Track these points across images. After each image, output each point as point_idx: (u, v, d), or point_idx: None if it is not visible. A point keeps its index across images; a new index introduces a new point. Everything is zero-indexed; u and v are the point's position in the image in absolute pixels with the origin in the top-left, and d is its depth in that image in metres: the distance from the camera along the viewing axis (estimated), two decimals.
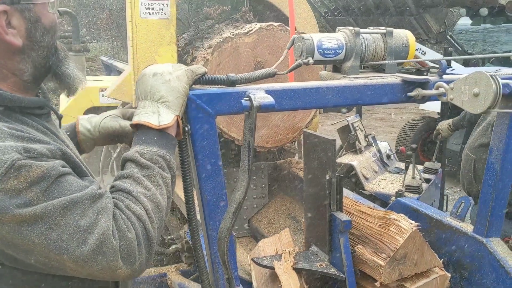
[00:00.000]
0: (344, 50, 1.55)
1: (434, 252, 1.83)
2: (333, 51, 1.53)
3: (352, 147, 3.24)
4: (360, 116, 4.11)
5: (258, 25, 2.48)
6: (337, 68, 1.63)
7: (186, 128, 1.33)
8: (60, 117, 1.33)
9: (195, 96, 1.31)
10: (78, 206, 1.02)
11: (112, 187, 1.17)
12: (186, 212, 1.44)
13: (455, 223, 1.98)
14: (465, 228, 1.94)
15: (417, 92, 1.50)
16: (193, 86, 1.33)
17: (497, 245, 1.80)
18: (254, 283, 2.03)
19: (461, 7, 4.72)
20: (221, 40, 2.37)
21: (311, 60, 1.51)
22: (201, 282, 1.54)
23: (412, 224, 1.77)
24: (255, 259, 1.99)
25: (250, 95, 1.28)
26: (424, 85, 1.51)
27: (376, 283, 1.75)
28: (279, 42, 2.47)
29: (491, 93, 1.26)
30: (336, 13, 4.93)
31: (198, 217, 1.51)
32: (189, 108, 1.31)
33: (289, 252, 1.95)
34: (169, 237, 3.20)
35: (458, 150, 6.28)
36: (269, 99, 1.30)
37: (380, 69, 1.65)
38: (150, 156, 1.18)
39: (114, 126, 1.49)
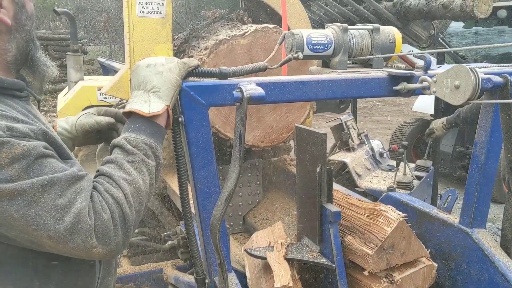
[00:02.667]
0: (332, 46, 1.61)
1: (421, 242, 1.89)
2: (322, 46, 1.60)
3: (345, 145, 3.30)
4: (355, 116, 4.17)
5: (254, 27, 2.54)
6: (326, 63, 1.70)
7: (180, 119, 1.39)
8: (38, 100, 1.39)
9: (189, 88, 1.36)
10: (57, 185, 1.07)
11: (97, 171, 1.23)
12: (180, 201, 1.50)
13: (442, 215, 2.05)
14: (452, 219, 2.00)
15: (403, 86, 1.56)
16: (188, 78, 1.39)
17: (482, 236, 1.86)
18: (248, 274, 2.08)
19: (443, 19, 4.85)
20: (217, 42, 2.43)
21: (300, 55, 1.57)
22: (195, 270, 1.60)
23: (399, 215, 1.83)
24: (248, 250, 2.04)
25: (241, 86, 1.34)
26: (409, 79, 1.57)
27: (364, 272, 1.80)
28: (274, 44, 2.52)
29: (470, 84, 1.32)
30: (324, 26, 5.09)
31: (192, 207, 1.57)
32: (183, 99, 1.37)
33: (281, 243, 2.00)
34: (165, 233, 3.24)
35: (450, 151, 6.35)
36: (260, 91, 1.36)
37: (367, 64, 1.71)
38: (136, 143, 1.23)
39: (89, 122, 1.54)
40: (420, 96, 7.38)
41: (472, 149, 1.82)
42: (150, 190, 1.25)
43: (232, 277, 1.59)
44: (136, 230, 3.59)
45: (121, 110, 1.49)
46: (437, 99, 5.95)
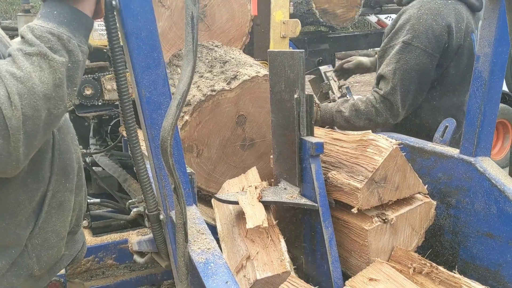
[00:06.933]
0: None
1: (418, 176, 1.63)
2: None
3: (325, 98, 3.01)
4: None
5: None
6: None
7: (114, 2, 1.08)
8: None
9: None
10: None
11: None
12: (122, 115, 1.20)
13: (439, 147, 1.78)
14: (451, 151, 1.74)
15: None
16: None
17: (487, 164, 1.61)
18: (218, 226, 1.79)
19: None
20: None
21: None
22: (146, 204, 1.30)
23: (391, 142, 1.56)
24: (217, 197, 1.75)
25: None
26: None
27: (353, 210, 1.53)
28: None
29: None
30: None
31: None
32: None
33: (255, 187, 1.72)
34: (130, 201, 2.93)
35: None
36: None
37: None
38: (40, 32, 0.98)
39: None
40: None
41: None
42: (56, 92, 0.98)
43: (193, 210, 1.29)
44: (98, 200, 3.26)
45: None
46: None
